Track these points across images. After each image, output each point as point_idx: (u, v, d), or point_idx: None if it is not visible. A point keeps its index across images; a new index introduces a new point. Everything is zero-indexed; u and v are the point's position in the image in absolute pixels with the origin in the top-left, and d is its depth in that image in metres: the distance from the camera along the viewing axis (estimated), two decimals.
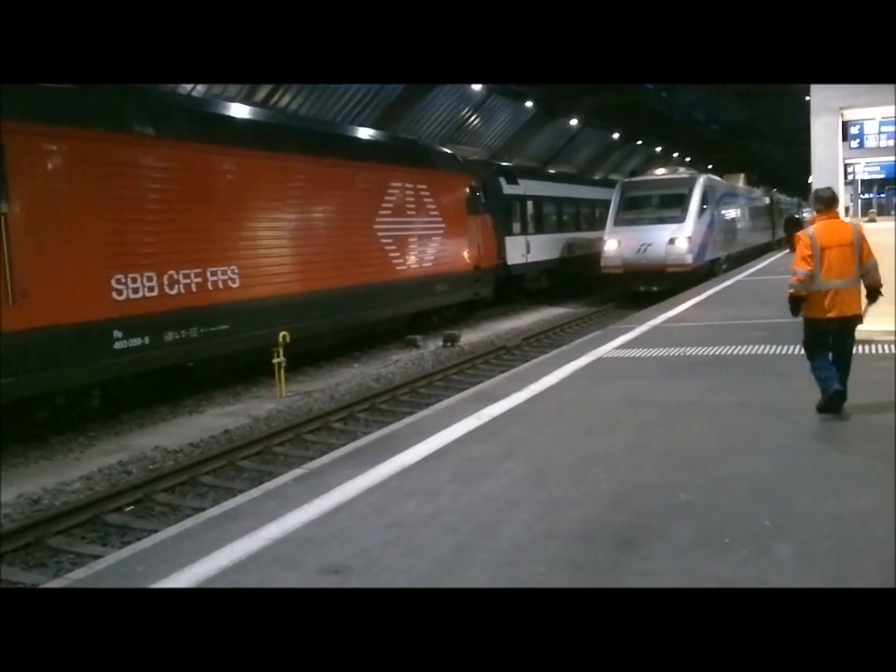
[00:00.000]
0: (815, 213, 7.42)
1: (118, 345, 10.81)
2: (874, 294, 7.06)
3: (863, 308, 7.08)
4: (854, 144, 10.81)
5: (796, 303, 7.05)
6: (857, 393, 7.13)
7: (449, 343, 17.87)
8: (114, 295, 10.78)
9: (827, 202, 7.19)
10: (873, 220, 17.58)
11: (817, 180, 10.59)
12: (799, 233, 7.33)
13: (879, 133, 10.71)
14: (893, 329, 9.94)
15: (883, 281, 7.09)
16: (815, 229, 7.09)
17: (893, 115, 10.54)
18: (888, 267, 10.05)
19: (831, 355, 7.06)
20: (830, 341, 7.08)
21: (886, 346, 10.03)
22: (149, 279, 11.30)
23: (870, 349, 9.96)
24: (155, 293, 11.40)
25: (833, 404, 6.95)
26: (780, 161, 62.19)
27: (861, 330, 8.61)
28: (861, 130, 10.75)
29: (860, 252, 6.95)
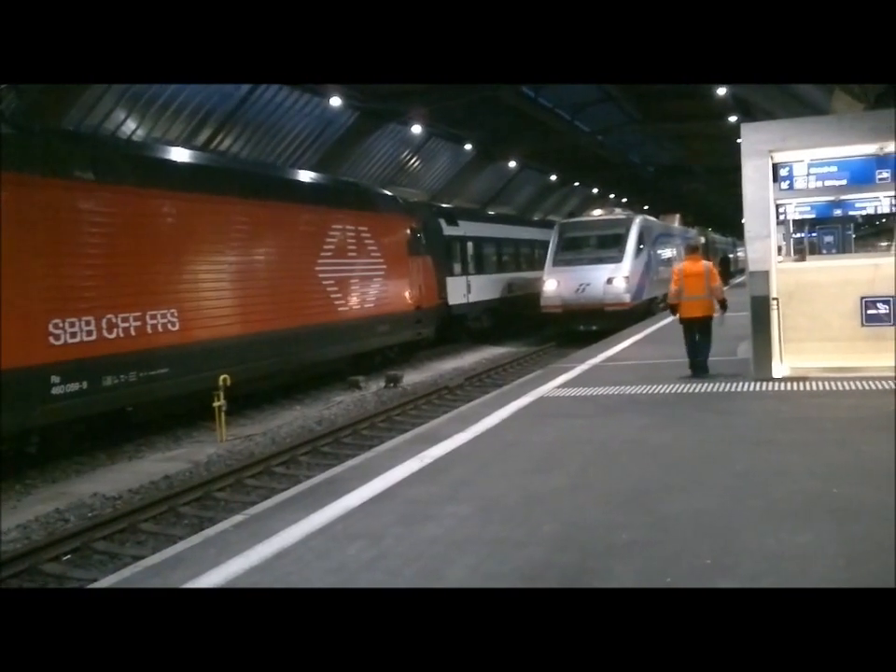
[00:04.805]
0: (685, 254, 12.49)
1: (55, 391, 10.63)
2: (722, 304, 11.52)
3: (717, 313, 11.54)
4: (784, 185, 11.13)
5: (673, 308, 11.93)
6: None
7: (391, 384, 17.88)
8: (52, 340, 10.62)
9: (690, 249, 12.68)
10: (802, 259, 18.06)
11: (748, 220, 10.91)
12: (673, 267, 12.82)
13: (808, 174, 11.05)
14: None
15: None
16: (683, 264, 11.90)
17: (822, 157, 10.90)
18: (821, 305, 10.51)
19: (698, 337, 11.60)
20: (695, 331, 11.54)
21: (817, 383, 10.31)
22: (87, 323, 11.15)
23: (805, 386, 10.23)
24: (93, 337, 11.26)
25: (693, 369, 11.58)
26: (714, 202, 63.71)
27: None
28: (790, 171, 11.07)
29: (708, 279, 11.44)
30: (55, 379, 10.63)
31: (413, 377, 19.42)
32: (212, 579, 5.02)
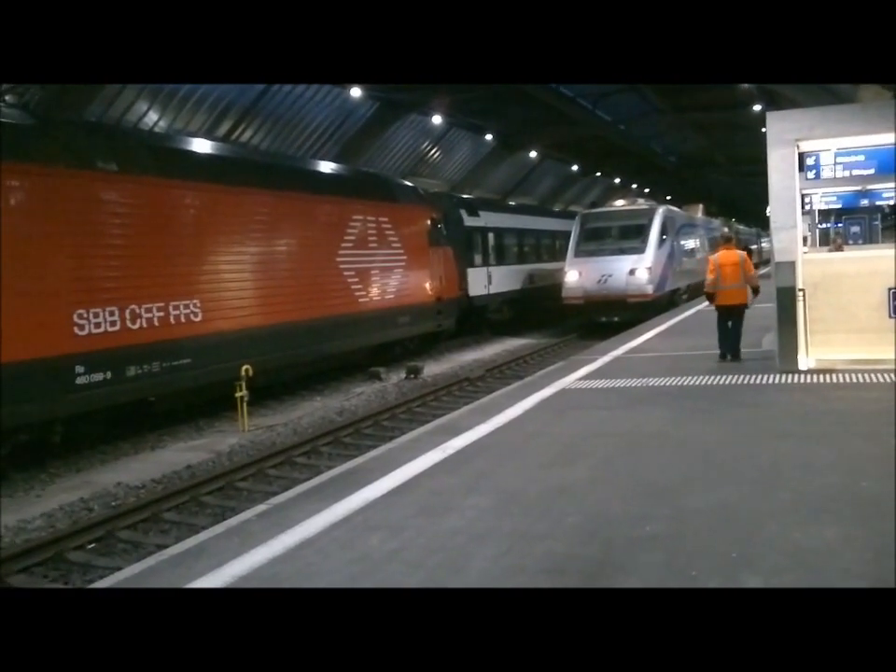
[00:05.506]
0: (720, 245, 13.10)
1: (80, 381, 10.70)
2: (755, 291, 12.34)
3: (749, 300, 12.31)
4: (810, 175, 10.98)
5: (710, 297, 12.47)
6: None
7: (412, 376, 17.88)
8: (76, 330, 10.68)
9: (726, 239, 13.38)
10: (840, 249, 17.92)
11: (774, 210, 10.79)
12: (710, 256, 13.37)
13: (835, 163, 10.89)
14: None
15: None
16: (718, 254, 12.52)
17: (849, 146, 10.74)
18: (848, 296, 10.36)
19: (730, 324, 12.21)
20: (728, 318, 12.17)
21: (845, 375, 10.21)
22: (111, 314, 11.21)
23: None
24: (117, 327, 11.31)
25: (722, 356, 12.17)
26: (739, 192, 63.20)
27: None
28: (816, 161, 10.92)
29: (744, 267, 12.15)
30: (79, 369, 10.69)
31: (433, 368, 19.42)
32: (235, 568, 5.03)
